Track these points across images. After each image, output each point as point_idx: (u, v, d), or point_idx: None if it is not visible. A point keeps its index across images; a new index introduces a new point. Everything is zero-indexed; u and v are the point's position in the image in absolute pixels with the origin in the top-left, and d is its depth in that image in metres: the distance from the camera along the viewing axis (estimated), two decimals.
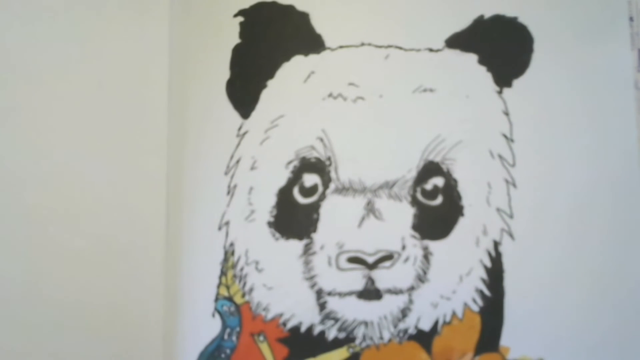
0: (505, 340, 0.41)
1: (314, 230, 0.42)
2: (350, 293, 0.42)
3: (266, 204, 0.43)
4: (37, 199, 0.41)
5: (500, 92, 0.44)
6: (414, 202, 0.42)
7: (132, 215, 0.43)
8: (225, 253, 0.43)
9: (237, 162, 0.44)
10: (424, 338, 0.42)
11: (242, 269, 0.43)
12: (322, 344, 0.42)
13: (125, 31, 0.45)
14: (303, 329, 0.42)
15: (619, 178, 0.43)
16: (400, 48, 0.44)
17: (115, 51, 0.44)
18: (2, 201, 0.41)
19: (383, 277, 0.42)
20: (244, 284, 0.42)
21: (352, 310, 0.42)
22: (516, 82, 0.44)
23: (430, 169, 0.43)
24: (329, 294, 0.42)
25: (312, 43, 0.44)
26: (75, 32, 0.43)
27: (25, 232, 0.41)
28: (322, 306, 0.42)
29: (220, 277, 0.43)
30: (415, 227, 0.42)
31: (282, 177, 0.43)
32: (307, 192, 0.43)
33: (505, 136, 0.43)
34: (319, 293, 0.42)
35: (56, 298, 0.41)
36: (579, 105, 0.44)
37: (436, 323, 0.42)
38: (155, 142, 0.44)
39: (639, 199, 0.43)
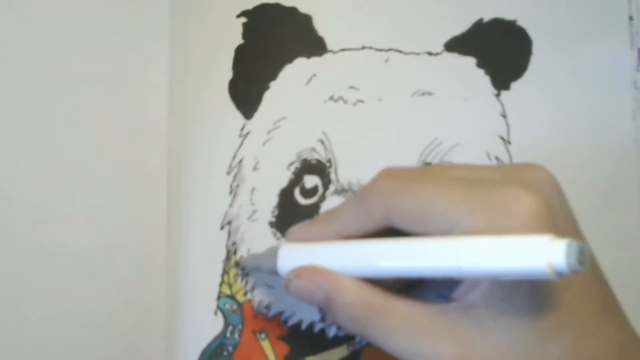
0: None
1: None
2: None
3: (268, 204, 0.43)
4: (36, 198, 0.41)
5: (498, 95, 0.44)
6: None
7: (133, 213, 0.43)
8: (228, 252, 0.43)
9: (240, 162, 0.44)
10: None
11: (244, 268, 0.43)
12: (323, 341, 0.42)
13: (126, 30, 0.45)
14: (304, 326, 0.43)
15: (616, 179, 0.44)
16: (400, 51, 0.45)
17: (116, 50, 0.44)
18: (1, 200, 0.41)
19: None
20: (246, 282, 0.43)
21: None
22: (514, 85, 0.45)
23: None
24: None
25: (314, 46, 0.45)
26: (75, 31, 0.43)
27: (23, 231, 0.40)
28: None
29: (222, 276, 0.43)
30: None
31: (283, 178, 0.44)
32: (308, 193, 0.43)
33: (502, 138, 0.44)
34: None
35: (56, 297, 0.41)
36: (576, 106, 0.44)
37: None
38: (156, 142, 0.44)
39: (636, 199, 0.43)
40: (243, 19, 0.45)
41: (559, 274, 0.27)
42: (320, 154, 0.43)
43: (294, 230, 0.38)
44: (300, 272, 0.35)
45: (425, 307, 0.32)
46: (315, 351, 0.43)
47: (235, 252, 0.43)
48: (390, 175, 0.34)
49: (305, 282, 0.35)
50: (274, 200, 0.43)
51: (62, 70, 0.43)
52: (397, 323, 0.32)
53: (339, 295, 0.33)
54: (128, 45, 0.44)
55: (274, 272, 0.38)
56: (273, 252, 0.38)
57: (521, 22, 0.45)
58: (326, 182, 0.43)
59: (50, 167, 0.42)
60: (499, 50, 0.45)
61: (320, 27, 0.45)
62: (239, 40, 0.45)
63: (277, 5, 0.45)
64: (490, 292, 0.30)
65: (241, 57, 0.45)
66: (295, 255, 0.37)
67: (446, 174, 0.33)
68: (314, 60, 0.45)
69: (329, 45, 0.45)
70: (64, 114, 0.43)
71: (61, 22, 0.43)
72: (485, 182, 0.31)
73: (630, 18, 0.45)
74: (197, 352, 0.43)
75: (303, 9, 0.45)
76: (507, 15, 0.45)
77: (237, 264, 0.43)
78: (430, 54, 0.45)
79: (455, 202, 0.30)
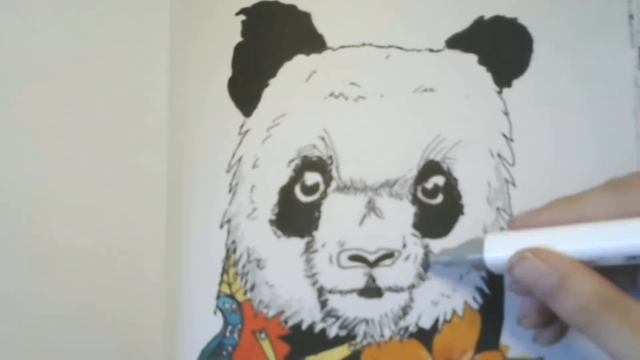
0: (505, 338, 0.42)
1: (316, 229, 0.42)
2: (351, 291, 0.42)
3: (268, 202, 0.43)
4: (37, 198, 0.41)
5: (500, 92, 0.44)
6: (415, 200, 0.43)
7: (132, 213, 0.43)
8: (227, 251, 0.43)
9: (239, 160, 0.44)
10: (424, 336, 0.42)
11: (244, 267, 0.43)
12: (323, 341, 0.42)
13: (126, 28, 0.44)
14: (304, 326, 0.42)
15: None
16: (401, 48, 0.44)
17: (116, 49, 0.44)
18: (1, 200, 0.41)
19: (384, 275, 0.42)
20: (246, 281, 0.43)
21: (353, 308, 0.42)
22: (516, 82, 0.44)
23: (431, 168, 0.43)
24: (330, 291, 0.42)
25: (314, 43, 0.44)
26: (75, 31, 0.43)
27: (24, 231, 0.41)
28: (323, 304, 0.42)
29: (222, 275, 0.43)
30: (416, 226, 0.42)
31: (283, 176, 0.43)
32: (309, 190, 0.43)
33: (505, 136, 0.44)
34: (320, 291, 0.42)
35: (56, 295, 0.41)
36: (578, 103, 0.44)
37: (437, 321, 0.42)
38: (156, 140, 0.44)
39: None
40: (242, 17, 0.45)
41: None
42: (321, 151, 0.43)
43: (521, 215, 0.37)
44: (537, 252, 0.34)
45: None
46: (316, 351, 0.42)
47: (234, 250, 0.43)
48: None
49: (539, 262, 0.33)
50: (274, 198, 0.43)
51: (62, 70, 0.43)
52: (629, 323, 0.30)
53: (575, 281, 0.32)
54: (128, 45, 0.44)
55: (478, 263, 0.38)
56: (477, 242, 0.38)
57: (522, 20, 0.45)
58: (327, 179, 0.43)
59: (51, 167, 0.42)
60: (500, 48, 0.45)
61: (320, 24, 0.45)
62: (238, 38, 0.45)
63: (276, 3, 0.45)
64: None
65: (240, 55, 0.45)
66: (507, 242, 0.36)
67: None
68: (314, 57, 0.44)
69: (329, 43, 0.44)
70: (64, 114, 0.43)
71: (61, 22, 0.43)
72: None
73: (631, 17, 0.45)
74: (197, 352, 0.42)
75: (302, 6, 0.45)
76: (508, 13, 0.45)
77: (424, 265, 0.42)
78: (431, 50, 0.44)
79: None
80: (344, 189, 0.43)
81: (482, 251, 0.37)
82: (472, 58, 0.44)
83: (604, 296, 0.31)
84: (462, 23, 0.45)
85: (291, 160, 0.43)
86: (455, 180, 0.43)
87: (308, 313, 0.42)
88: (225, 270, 0.43)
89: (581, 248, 0.33)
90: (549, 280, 0.33)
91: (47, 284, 0.40)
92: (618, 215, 0.33)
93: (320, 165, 0.43)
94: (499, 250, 0.37)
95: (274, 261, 0.43)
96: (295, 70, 0.44)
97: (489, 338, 0.42)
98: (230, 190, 0.43)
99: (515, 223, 0.38)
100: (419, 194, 0.43)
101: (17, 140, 0.41)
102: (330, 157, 0.43)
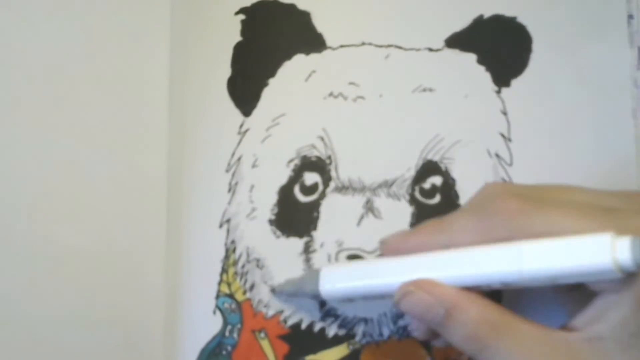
0: None
1: (314, 229, 0.43)
2: None
3: (267, 202, 0.43)
4: (37, 198, 0.41)
5: (498, 92, 0.44)
6: (413, 200, 0.43)
7: (132, 212, 0.43)
8: (227, 250, 0.43)
9: (239, 159, 0.44)
10: None
11: (243, 266, 0.43)
12: (323, 340, 0.42)
13: (126, 28, 0.44)
14: (303, 326, 0.42)
15: (616, 177, 0.43)
16: (400, 47, 0.44)
17: (116, 48, 0.44)
18: (1, 200, 0.41)
19: None
20: (245, 281, 0.43)
21: (351, 307, 0.42)
22: (515, 82, 0.44)
23: (429, 168, 0.43)
24: None
25: (313, 42, 0.44)
26: (75, 31, 0.43)
27: (24, 230, 0.41)
28: (322, 303, 0.42)
29: (221, 275, 0.43)
30: (414, 226, 0.42)
31: (283, 176, 0.43)
32: (308, 190, 0.43)
33: (503, 135, 0.44)
34: None
35: (56, 295, 0.41)
36: (577, 104, 0.44)
37: None
38: (155, 140, 0.44)
39: None
40: (241, 16, 0.45)
41: (625, 270, 0.27)
42: (320, 151, 0.43)
43: (392, 238, 0.37)
44: (422, 284, 0.33)
45: (548, 333, 0.31)
46: (315, 350, 0.42)
47: (234, 250, 0.43)
48: (515, 194, 0.33)
49: (425, 295, 0.33)
50: (273, 197, 0.43)
51: (62, 70, 0.43)
52: (519, 346, 0.31)
53: (460, 311, 0.32)
54: (128, 44, 0.44)
55: (315, 295, 0.38)
56: (313, 274, 0.38)
57: (521, 19, 0.45)
58: (326, 179, 0.43)
59: (51, 167, 0.42)
60: (499, 47, 0.45)
61: (319, 23, 0.45)
62: (237, 37, 0.45)
63: (276, 2, 0.45)
64: (620, 326, 0.29)
65: (240, 54, 0.45)
66: (340, 274, 0.37)
67: (569, 199, 0.32)
68: (313, 56, 0.44)
69: (328, 42, 0.45)
70: (64, 113, 0.42)
71: (61, 22, 0.43)
72: (614, 211, 0.30)
73: (630, 17, 0.45)
74: (196, 352, 0.42)
75: (302, 5, 0.45)
76: (507, 12, 0.45)
77: (273, 291, 0.42)
78: (430, 50, 0.44)
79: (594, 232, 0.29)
80: (342, 189, 0.43)
81: (317, 284, 0.38)
82: (471, 57, 0.44)
83: (492, 321, 0.31)
84: (461, 22, 0.45)
85: (290, 160, 0.43)
86: (453, 180, 0.43)
87: (307, 312, 0.42)
88: (224, 270, 0.43)
89: (454, 276, 0.33)
90: (436, 312, 0.32)
91: (47, 284, 0.40)
92: (484, 241, 0.32)
93: (319, 165, 0.43)
94: (333, 282, 0.37)
95: (273, 261, 0.43)
96: (295, 70, 0.44)
97: None
98: (229, 190, 0.44)
99: (385, 246, 0.37)
100: (417, 194, 0.43)
101: (17, 140, 0.41)
102: (329, 157, 0.43)
